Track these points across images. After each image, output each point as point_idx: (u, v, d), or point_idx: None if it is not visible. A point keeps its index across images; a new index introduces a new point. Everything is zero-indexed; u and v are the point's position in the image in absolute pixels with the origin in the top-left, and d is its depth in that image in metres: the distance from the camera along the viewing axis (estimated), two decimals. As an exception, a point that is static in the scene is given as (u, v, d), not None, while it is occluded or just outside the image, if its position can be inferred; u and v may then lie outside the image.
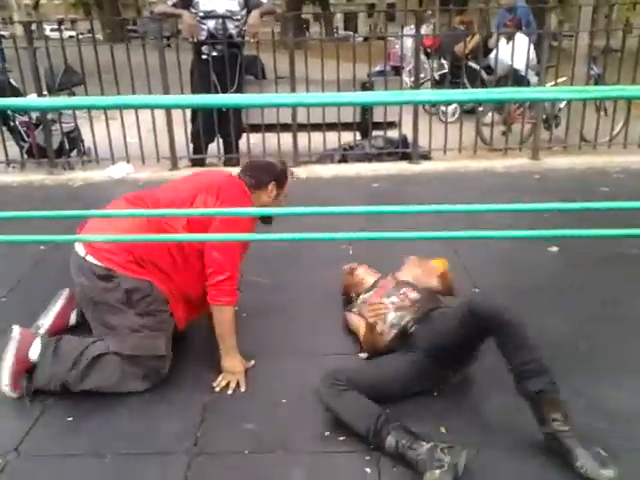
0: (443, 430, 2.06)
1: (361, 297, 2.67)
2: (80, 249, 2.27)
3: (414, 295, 2.47)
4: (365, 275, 2.81)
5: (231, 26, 4.64)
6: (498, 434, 2.04)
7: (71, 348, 2.25)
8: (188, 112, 5.21)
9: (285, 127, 5.23)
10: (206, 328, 2.66)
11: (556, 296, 2.98)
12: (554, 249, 3.55)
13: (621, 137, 5.46)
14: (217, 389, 2.31)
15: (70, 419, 2.14)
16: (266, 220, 2.60)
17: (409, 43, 6.26)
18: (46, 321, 2.53)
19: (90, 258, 2.23)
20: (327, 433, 2.05)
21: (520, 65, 5.59)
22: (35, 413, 2.16)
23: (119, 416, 2.16)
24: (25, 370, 2.22)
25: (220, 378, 2.35)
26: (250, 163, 2.69)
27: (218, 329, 2.38)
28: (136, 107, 1.34)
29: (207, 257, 2.31)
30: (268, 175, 2.53)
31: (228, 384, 2.32)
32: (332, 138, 5.38)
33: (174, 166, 5.29)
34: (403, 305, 2.44)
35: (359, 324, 2.54)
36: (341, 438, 2.02)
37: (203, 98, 1.07)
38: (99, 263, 2.22)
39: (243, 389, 2.31)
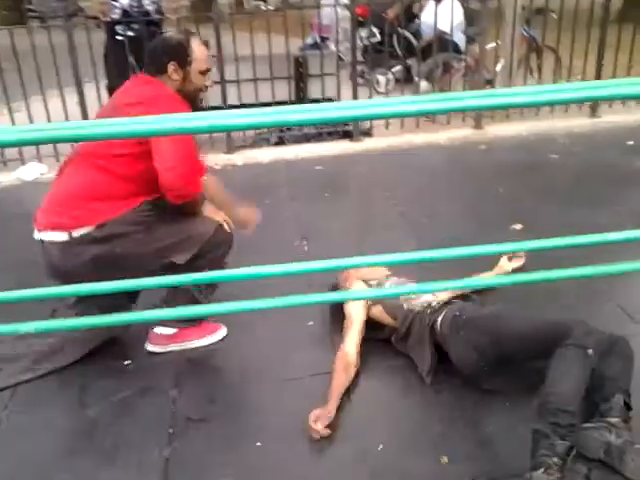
0: (445, 460, 1.81)
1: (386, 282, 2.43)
2: (60, 236, 2.09)
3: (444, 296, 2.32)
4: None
5: (147, 2, 4.17)
6: (503, 464, 1.79)
7: None
8: (104, 95, 4.65)
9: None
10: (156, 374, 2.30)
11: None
12: (518, 227, 3.36)
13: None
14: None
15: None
16: (195, 106, 2.29)
17: (331, 12, 5.81)
18: None
19: (81, 230, 2.08)
20: (321, 485, 1.75)
21: (448, 28, 5.27)
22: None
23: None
24: None
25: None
26: (147, 50, 2.31)
27: (215, 200, 2.33)
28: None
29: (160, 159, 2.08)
30: (164, 56, 2.19)
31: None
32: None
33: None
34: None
35: (360, 312, 2.32)
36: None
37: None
38: (93, 226, 2.09)
39: None
